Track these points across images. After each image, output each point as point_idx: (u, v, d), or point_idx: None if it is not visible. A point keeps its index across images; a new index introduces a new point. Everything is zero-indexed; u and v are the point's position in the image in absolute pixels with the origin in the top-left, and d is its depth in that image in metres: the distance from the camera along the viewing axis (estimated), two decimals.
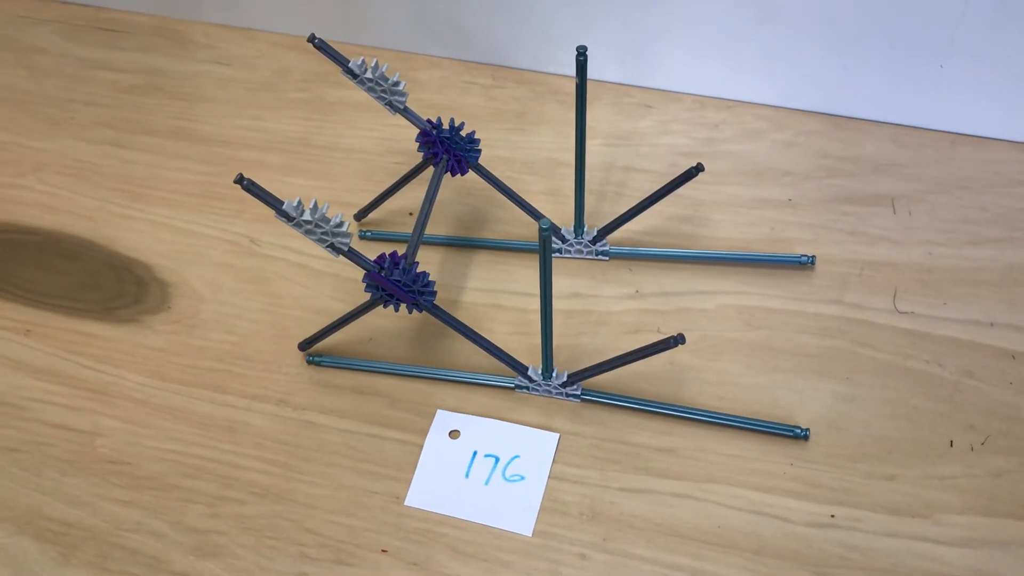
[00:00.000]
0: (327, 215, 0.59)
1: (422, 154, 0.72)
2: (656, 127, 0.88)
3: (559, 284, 0.75)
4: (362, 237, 0.80)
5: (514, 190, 0.74)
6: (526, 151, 0.86)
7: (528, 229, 0.79)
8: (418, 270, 0.63)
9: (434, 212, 0.77)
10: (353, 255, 0.61)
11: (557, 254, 0.78)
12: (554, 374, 0.68)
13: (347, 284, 0.77)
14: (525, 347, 0.72)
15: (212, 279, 0.78)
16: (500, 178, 0.75)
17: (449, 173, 0.71)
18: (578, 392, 0.68)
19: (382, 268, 0.62)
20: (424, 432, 0.68)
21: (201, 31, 1.01)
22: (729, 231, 0.79)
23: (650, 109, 0.89)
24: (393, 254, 0.64)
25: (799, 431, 0.65)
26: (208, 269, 0.79)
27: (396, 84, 0.68)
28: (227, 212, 0.83)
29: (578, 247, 0.77)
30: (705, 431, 0.66)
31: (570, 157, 0.82)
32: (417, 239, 0.66)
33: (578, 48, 0.64)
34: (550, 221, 0.55)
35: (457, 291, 0.76)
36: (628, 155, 0.85)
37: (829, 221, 0.79)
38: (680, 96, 0.90)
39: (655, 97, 0.90)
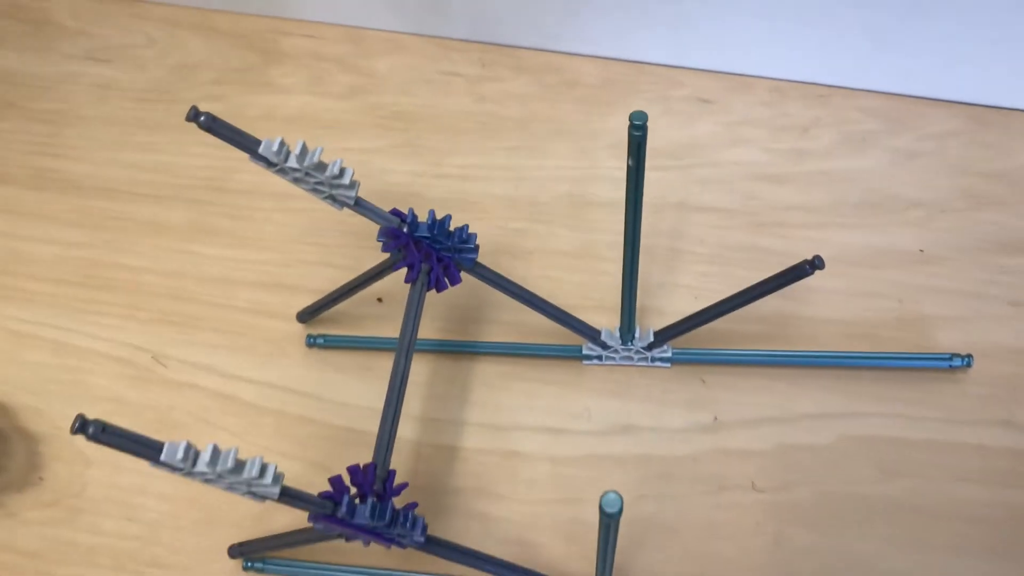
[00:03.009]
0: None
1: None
2: (719, 134, 0.62)
3: (601, 409, 0.52)
4: (311, 345, 0.56)
5: (528, 291, 0.50)
6: (535, 184, 0.61)
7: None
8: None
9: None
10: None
11: (597, 361, 0.54)
12: None
13: (295, 426, 0.53)
14: (568, 541, 0.49)
15: None
16: (503, 230, 0.51)
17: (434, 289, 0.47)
18: None
19: (336, 505, 0.39)
20: None
21: (67, 8, 0.72)
22: (838, 307, 0.55)
23: (708, 106, 0.63)
24: (355, 471, 0.40)
25: None
26: (92, 407, 0.55)
27: (339, 176, 0.42)
28: (116, 310, 0.58)
29: (626, 354, 0.53)
30: None
31: (600, 190, 0.57)
32: (389, 434, 0.42)
33: (633, 117, 0.38)
34: (619, 501, 0.31)
35: (453, 430, 0.53)
36: (683, 182, 0.60)
37: (980, 283, 0.55)
38: (750, 82, 0.63)
39: (715, 85, 0.64)
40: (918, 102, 0.61)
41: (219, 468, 0.35)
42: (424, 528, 0.40)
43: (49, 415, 0.55)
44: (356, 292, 0.51)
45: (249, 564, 0.49)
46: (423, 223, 0.45)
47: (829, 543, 0.48)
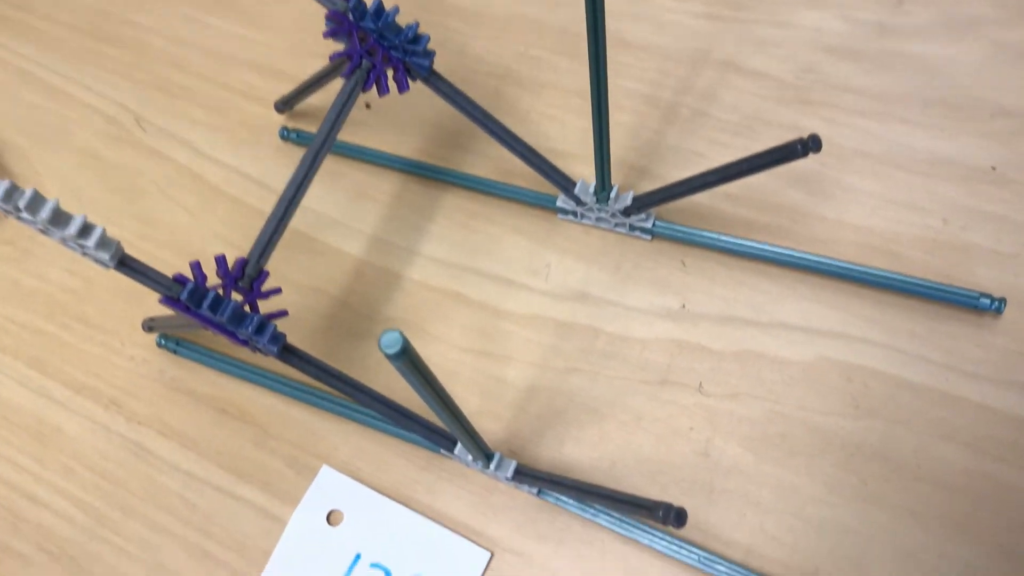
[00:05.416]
0: (62, 209, 0.32)
1: None
2: None
3: (562, 269, 0.47)
4: (284, 138, 0.52)
5: (494, 118, 0.44)
6: (571, 10, 0.54)
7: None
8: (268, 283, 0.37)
9: (402, 112, 0.50)
10: (132, 269, 0.35)
11: (572, 218, 0.48)
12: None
13: (247, 216, 0.51)
14: (484, 397, 0.45)
15: (71, 178, 0.54)
16: (521, 56, 0.46)
17: (374, 88, 0.42)
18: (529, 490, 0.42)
19: (185, 289, 0.36)
20: (294, 500, 0.44)
21: None
22: (868, 213, 0.46)
23: None
24: (220, 262, 0.37)
25: None
26: (70, 158, 0.54)
27: None
28: (117, 66, 0.56)
29: (601, 215, 0.47)
30: None
31: (641, 30, 0.51)
32: (271, 235, 0.39)
33: None
34: (399, 341, 0.27)
35: (403, 257, 0.49)
36: (736, 38, 0.52)
37: None
38: None
39: None
40: None
41: (39, 216, 0.32)
42: (276, 338, 0.37)
43: (30, 156, 0.55)
44: (323, 83, 0.47)
45: (163, 342, 0.48)
46: (369, 13, 0.40)
47: (762, 469, 0.42)
